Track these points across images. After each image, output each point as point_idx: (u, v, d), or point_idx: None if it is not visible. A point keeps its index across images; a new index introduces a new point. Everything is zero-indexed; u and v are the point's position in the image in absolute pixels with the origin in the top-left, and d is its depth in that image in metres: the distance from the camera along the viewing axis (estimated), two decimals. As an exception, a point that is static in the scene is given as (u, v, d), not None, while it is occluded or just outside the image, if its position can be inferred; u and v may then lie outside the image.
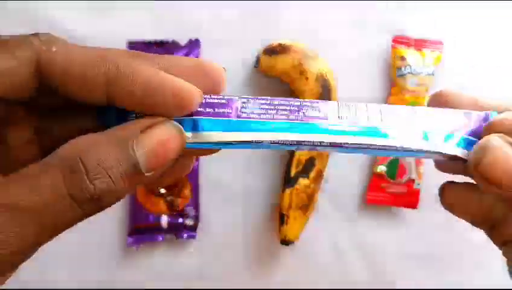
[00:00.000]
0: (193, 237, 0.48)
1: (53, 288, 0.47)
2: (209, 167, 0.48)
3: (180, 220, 0.47)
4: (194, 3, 0.48)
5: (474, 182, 0.20)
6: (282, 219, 0.46)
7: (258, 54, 0.46)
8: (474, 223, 0.23)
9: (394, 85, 0.49)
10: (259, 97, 0.21)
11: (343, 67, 0.48)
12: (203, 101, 0.20)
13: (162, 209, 0.47)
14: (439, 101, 0.23)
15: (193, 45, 0.47)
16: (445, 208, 0.23)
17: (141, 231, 0.47)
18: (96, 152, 0.16)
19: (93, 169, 0.16)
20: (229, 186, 0.49)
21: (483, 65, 0.50)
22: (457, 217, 0.25)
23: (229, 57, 0.48)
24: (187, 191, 0.48)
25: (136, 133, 0.17)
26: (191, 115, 0.19)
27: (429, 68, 0.48)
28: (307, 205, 0.46)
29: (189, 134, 0.19)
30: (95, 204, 0.16)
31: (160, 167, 0.17)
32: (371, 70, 0.50)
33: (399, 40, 0.48)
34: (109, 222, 0.48)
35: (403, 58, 0.48)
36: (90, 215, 0.17)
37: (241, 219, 0.49)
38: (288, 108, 0.21)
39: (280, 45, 0.46)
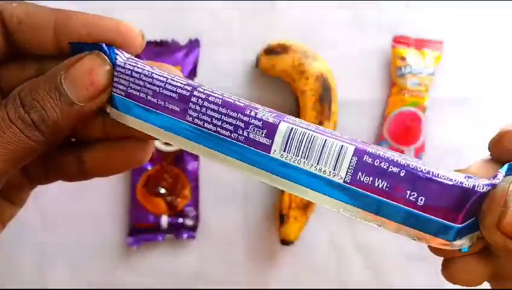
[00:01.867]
0: (193, 237, 0.48)
1: (53, 288, 0.47)
2: (209, 167, 0.48)
3: (180, 220, 0.47)
4: (194, 3, 0.48)
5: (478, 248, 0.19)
6: (282, 219, 0.46)
7: (258, 54, 0.46)
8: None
9: (394, 85, 0.49)
10: (214, 94, 0.19)
11: (343, 67, 0.48)
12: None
13: (162, 209, 0.47)
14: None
15: (193, 45, 0.47)
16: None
17: (141, 231, 0.47)
18: (31, 87, 0.19)
19: (28, 101, 0.19)
20: (229, 186, 0.49)
21: (483, 65, 0.50)
22: None
23: (229, 57, 0.48)
24: (187, 191, 0.48)
25: (65, 67, 0.19)
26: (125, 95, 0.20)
27: (429, 68, 0.48)
28: (306, 205, 0.46)
29: (112, 110, 0.21)
30: (35, 131, 0.19)
31: (91, 96, 0.19)
32: (371, 71, 0.50)
33: (399, 40, 0.48)
34: (109, 222, 0.48)
35: (403, 58, 0.48)
36: (40, 143, 0.19)
37: (241, 219, 0.49)
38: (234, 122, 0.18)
39: (280, 45, 0.46)
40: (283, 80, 0.47)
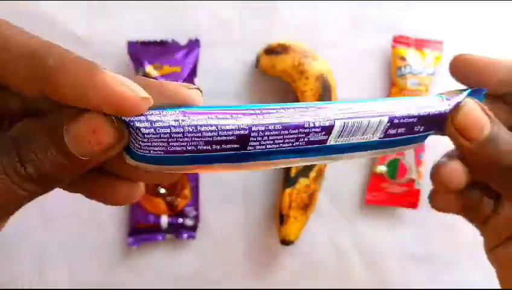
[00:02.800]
0: (193, 237, 0.48)
1: (53, 288, 0.47)
2: (209, 167, 0.48)
3: (180, 220, 0.47)
4: (194, 3, 0.48)
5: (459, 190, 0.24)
6: (282, 219, 0.46)
7: (258, 54, 0.46)
8: (466, 219, 0.27)
9: (394, 85, 0.49)
10: (271, 120, 0.19)
11: (343, 67, 0.48)
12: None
13: (162, 209, 0.47)
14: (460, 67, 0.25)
15: (193, 45, 0.47)
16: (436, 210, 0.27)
17: (141, 231, 0.47)
18: (28, 137, 0.17)
19: (25, 152, 0.17)
20: (229, 186, 0.49)
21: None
22: (455, 217, 0.27)
23: (229, 57, 0.48)
24: (187, 191, 0.48)
25: (67, 119, 0.17)
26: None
27: (429, 68, 0.48)
28: (307, 205, 0.46)
29: (130, 159, 0.19)
30: (34, 185, 0.18)
31: (97, 153, 0.18)
32: (371, 71, 0.50)
33: (399, 40, 0.48)
34: (109, 222, 0.48)
35: (403, 58, 0.48)
36: (39, 194, 0.18)
37: (241, 218, 0.49)
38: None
39: (280, 45, 0.46)
40: (283, 80, 0.47)
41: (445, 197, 0.26)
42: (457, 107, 0.23)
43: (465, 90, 0.24)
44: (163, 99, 0.18)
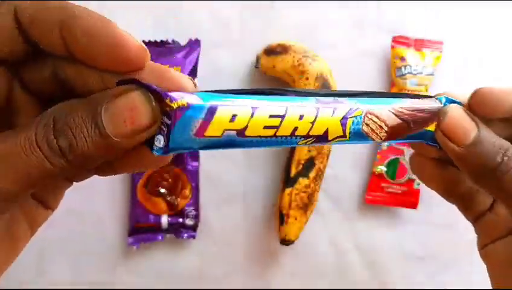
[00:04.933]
0: (193, 237, 0.48)
1: (53, 288, 0.47)
2: (209, 167, 0.49)
3: (180, 220, 0.47)
4: (194, 3, 0.48)
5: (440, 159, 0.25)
6: (282, 219, 0.46)
7: (258, 54, 0.46)
8: (444, 196, 0.27)
9: (394, 85, 0.49)
10: None
11: (343, 67, 0.48)
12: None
13: (162, 209, 0.47)
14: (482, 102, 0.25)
15: (193, 45, 0.47)
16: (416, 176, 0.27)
17: (141, 230, 0.47)
18: (67, 112, 0.18)
19: (60, 126, 0.17)
20: (229, 186, 0.49)
21: (483, 65, 0.50)
22: (452, 206, 0.27)
23: (229, 57, 0.48)
24: (187, 191, 0.48)
25: (107, 98, 0.18)
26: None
27: (429, 68, 0.48)
28: (307, 205, 0.46)
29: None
30: (60, 158, 0.18)
31: (129, 134, 0.18)
32: (370, 71, 0.50)
33: (399, 40, 0.48)
34: (109, 221, 0.48)
35: (402, 58, 0.48)
36: (63, 171, 0.18)
37: (241, 219, 0.49)
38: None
39: (280, 45, 0.46)
40: (283, 80, 0.47)
41: (421, 162, 0.26)
42: (442, 111, 0.23)
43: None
44: (163, 84, 0.19)
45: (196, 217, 0.48)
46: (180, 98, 0.18)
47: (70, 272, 0.48)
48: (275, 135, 0.19)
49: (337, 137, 0.21)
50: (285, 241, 0.46)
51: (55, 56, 0.19)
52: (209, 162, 0.48)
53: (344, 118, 0.20)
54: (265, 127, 0.19)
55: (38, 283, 0.47)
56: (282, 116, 0.19)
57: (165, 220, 0.47)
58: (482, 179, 0.23)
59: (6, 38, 0.19)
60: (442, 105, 0.23)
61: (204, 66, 0.47)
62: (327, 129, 0.20)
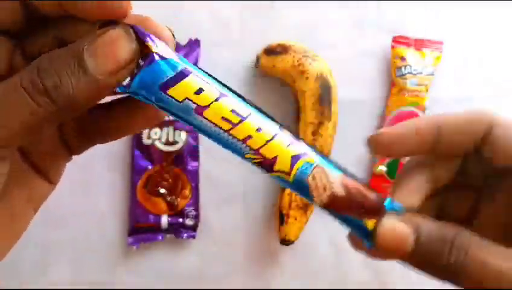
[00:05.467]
0: (193, 237, 0.48)
1: (53, 288, 0.47)
2: (209, 167, 0.49)
3: (180, 220, 0.47)
4: (194, 3, 0.48)
5: None
6: (282, 219, 0.46)
7: (258, 54, 0.46)
8: None
9: (394, 85, 0.49)
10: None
11: (343, 67, 0.48)
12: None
13: (162, 209, 0.47)
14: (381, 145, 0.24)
15: (193, 45, 0.47)
16: None
17: (141, 230, 0.47)
18: (50, 57, 0.18)
19: (45, 68, 0.18)
20: (229, 186, 0.49)
21: (483, 65, 0.50)
22: None
23: (229, 57, 0.48)
24: (187, 191, 0.48)
25: (89, 39, 0.18)
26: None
27: (429, 68, 0.48)
28: (306, 205, 0.46)
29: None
30: (45, 97, 0.18)
31: (112, 69, 0.18)
32: (371, 71, 0.50)
33: (399, 40, 0.48)
34: (109, 221, 0.48)
35: (402, 58, 0.48)
36: (51, 114, 0.18)
37: (241, 218, 0.49)
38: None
39: (280, 45, 0.46)
40: (283, 80, 0.47)
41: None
42: (375, 229, 0.21)
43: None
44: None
45: (196, 217, 0.48)
46: (161, 47, 0.19)
47: (70, 272, 0.48)
48: (228, 132, 0.19)
49: (282, 172, 0.20)
50: (285, 241, 0.46)
51: (52, 18, 0.20)
52: (209, 162, 0.48)
53: (296, 156, 0.20)
54: (223, 119, 0.19)
55: (38, 282, 0.47)
56: (243, 118, 0.20)
57: (165, 220, 0.47)
58: (442, 276, 0.22)
59: (8, 9, 0.19)
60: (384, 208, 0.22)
61: (204, 66, 0.47)
62: (276, 157, 0.20)
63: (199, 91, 0.19)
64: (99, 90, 0.19)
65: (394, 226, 0.21)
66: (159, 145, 0.47)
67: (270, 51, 0.46)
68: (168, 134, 0.47)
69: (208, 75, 0.20)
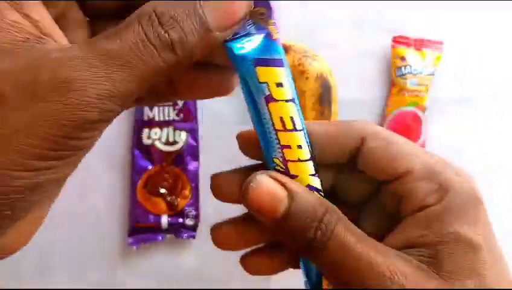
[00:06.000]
0: (193, 237, 0.48)
1: (53, 288, 0.47)
2: (209, 167, 0.48)
3: (180, 220, 0.47)
4: (194, 3, 0.48)
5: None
6: (282, 219, 0.46)
7: (258, 54, 0.46)
8: None
9: (394, 85, 0.49)
10: None
11: (343, 68, 0.48)
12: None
13: (162, 209, 0.47)
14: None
15: (193, 45, 0.47)
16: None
17: (141, 230, 0.47)
18: (167, 6, 0.18)
19: (167, 20, 0.17)
20: (229, 186, 0.49)
21: (483, 65, 0.50)
22: None
23: (229, 57, 0.48)
24: (187, 191, 0.48)
25: None
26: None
27: (429, 68, 0.48)
28: (307, 205, 0.46)
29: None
30: (170, 52, 0.17)
31: (229, 26, 0.19)
32: (371, 71, 0.50)
33: (399, 40, 0.48)
34: (109, 221, 0.48)
35: (403, 58, 0.48)
36: (170, 67, 0.18)
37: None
38: None
39: (280, 45, 0.46)
40: (283, 80, 0.47)
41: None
42: (247, 181, 0.21)
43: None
44: None
45: (196, 217, 0.48)
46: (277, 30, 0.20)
47: (70, 272, 0.48)
48: (276, 131, 0.20)
49: None
50: (285, 241, 0.46)
51: None
52: (209, 162, 0.48)
53: (312, 187, 0.21)
54: (281, 119, 0.20)
55: (39, 283, 0.47)
56: (295, 129, 0.20)
57: (165, 220, 0.47)
58: (302, 253, 0.21)
59: None
60: None
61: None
62: (296, 176, 0.20)
63: (280, 84, 0.20)
64: (214, 45, 0.18)
65: (269, 183, 0.20)
66: (159, 145, 0.47)
67: (270, 51, 0.46)
68: (168, 134, 0.47)
69: (291, 77, 0.20)
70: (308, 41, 0.47)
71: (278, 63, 0.20)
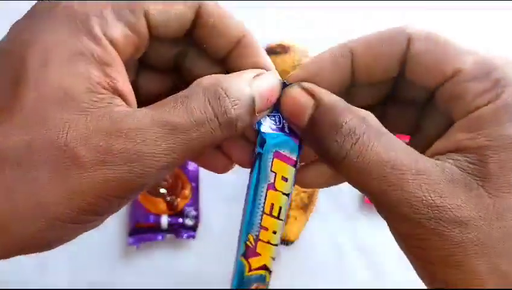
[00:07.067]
0: (193, 237, 0.48)
1: (53, 288, 0.47)
2: (209, 167, 0.49)
3: (180, 220, 0.47)
4: (194, 3, 0.48)
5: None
6: (282, 219, 0.46)
7: (258, 54, 0.46)
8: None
9: (394, 85, 0.49)
10: None
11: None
12: None
13: (162, 209, 0.47)
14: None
15: (193, 45, 0.47)
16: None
17: (141, 230, 0.47)
18: (232, 84, 0.19)
19: (234, 97, 0.18)
20: (229, 186, 0.49)
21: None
22: None
23: (229, 57, 0.48)
24: (187, 191, 0.48)
25: (252, 76, 0.20)
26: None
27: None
28: (306, 205, 0.46)
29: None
30: (231, 127, 0.19)
31: (264, 110, 0.20)
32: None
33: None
34: (109, 221, 0.48)
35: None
36: (224, 139, 0.19)
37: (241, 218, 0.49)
38: None
39: (280, 45, 0.46)
40: (283, 79, 0.47)
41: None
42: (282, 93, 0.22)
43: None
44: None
45: (196, 217, 0.48)
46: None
47: (70, 271, 0.48)
48: (263, 213, 0.23)
49: (251, 265, 0.25)
50: (285, 241, 0.46)
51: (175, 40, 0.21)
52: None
53: (266, 267, 0.24)
54: (271, 205, 0.22)
55: (38, 283, 0.47)
56: (279, 218, 0.22)
57: (165, 220, 0.47)
58: (325, 163, 0.21)
59: (143, 39, 0.20)
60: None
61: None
62: (260, 255, 0.24)
63: (285, 179, 0.22)
64: (249, 126, 0.20)
65: (297, 92, 0.21)
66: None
67: (270, 51, 0.46)
68: (168, 134, 0.47)
69: (295, 174, 0.22)
70: (308, 41, 0.47)
71: (291, 161, 0.22)
